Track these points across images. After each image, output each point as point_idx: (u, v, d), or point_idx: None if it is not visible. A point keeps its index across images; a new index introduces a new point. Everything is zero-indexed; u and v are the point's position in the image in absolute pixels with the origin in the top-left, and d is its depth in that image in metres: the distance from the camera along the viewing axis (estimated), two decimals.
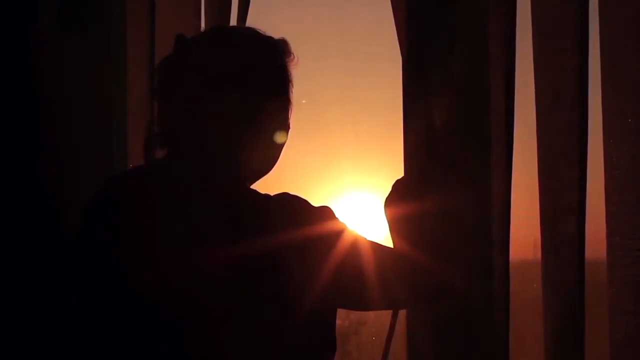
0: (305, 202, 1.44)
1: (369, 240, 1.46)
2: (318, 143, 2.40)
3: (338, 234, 1.43)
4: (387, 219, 1.62)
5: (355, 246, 1.43)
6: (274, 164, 1.53)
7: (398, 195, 1.64)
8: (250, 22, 1.97)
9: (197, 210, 1.39)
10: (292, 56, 1.52)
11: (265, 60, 1.50)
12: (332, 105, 2.37)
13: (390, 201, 1.62)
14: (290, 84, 1.52)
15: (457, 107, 1.78)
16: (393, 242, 1.57)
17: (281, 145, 1.52)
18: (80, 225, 1.46)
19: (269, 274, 1.36)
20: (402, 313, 1.82)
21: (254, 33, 1.53)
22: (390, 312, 1.72)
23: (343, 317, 2.58)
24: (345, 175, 2.34)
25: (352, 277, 1.42)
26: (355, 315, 2.66)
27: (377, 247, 1.46)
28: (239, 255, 1.35)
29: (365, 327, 2.67)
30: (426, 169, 1.77)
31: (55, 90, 2.04)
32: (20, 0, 2.02)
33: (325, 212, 1.44)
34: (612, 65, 1.75)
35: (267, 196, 1.43)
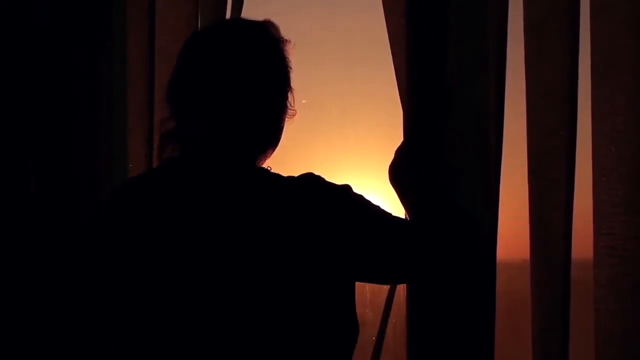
0: (325, 180, 1.55)
1: (388, 212, 1.55)
2: (317, 144, 2.40)
3: (364, 205, 1.53)
4: (392, 185, 1.70)
5: (379, 216, 1.53)
6: (278, 143, 1.61)
7: (400, 161, 1.71)
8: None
9: (238, 196, 1.49)
10: (287, 41, 1.59)
11: (267, 50, 1.56)
12: (332, 106, 2.37)
13: (393, 168, 1.66)
14: (290, 70, 1.59)
15: (454, 106, 1.78)
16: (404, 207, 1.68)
17: (283, 126, 1.60)
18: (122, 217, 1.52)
19: (306, 243, 1.47)
20: (402, 314, 1.82)
21: (250, 23, 1.60)
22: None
23: None
24: (345, 176, 2.34)
25: (377, 246, 1.51)
26: None
27: (397, 218, 1.56)
28: (282, 229, 1.47)
29: (365, 327, 2.66)
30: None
31: (56, 90, 2.04)
32: (20, 0, 2.02)
33: (349, 188, 1.55)
34: (603, 65, 1.76)
35: (292, 177, 1.54)
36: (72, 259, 1.97)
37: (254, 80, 1.53)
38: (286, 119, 1.59)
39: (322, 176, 1.55)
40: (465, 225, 1.59)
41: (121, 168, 2.04)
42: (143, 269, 1.47)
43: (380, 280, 1.62)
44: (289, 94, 1.58)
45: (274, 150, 1.60)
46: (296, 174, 1.55)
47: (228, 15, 2.00)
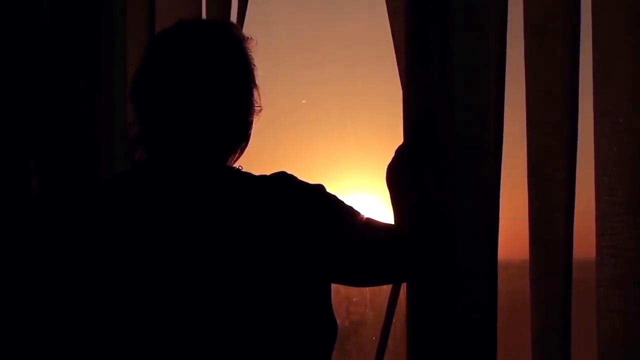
0: (298, 179, 1.53)
1: (361, 213, 1.55)
2: (317, 144, 2.40)
3: (337, 205, 1.53)
4: (388, 185, 1.69)
5: (352, 217, 1.53)
6: (248, 140, 1.61)
7: (401, 160, 1.71)
8: (250, 22, 1.98)
9: (214, 198, 1.48)
10: (249, 39, 1.59)
11: (230, 49, 1.56)
12: (332, 106, 2.37)
13: (392, 167, 1.67)
14: (254, 67, 1.59)
15: (453, 106, 1.79)
16: (393, 209, 1.67)
17: (251, 123, 1.59)
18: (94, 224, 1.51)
19: (279, 242, 1.46)
20: (402, 314, 1.82)
21: (210, 23, 1.63)
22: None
23: (343, 317, 2.59)
24: (345, 176, 2.34)
25: (351, 247, 1.51)
26: (355, 315, 2.66)
27: (371, 220, 1.56)
28: (256, 229, 1.46)
29: (365, 327, 2.67)
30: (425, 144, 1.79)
31: (56, 90, 2.04)
32: (20, 0, 2.02)
33: (322, 187, 1.54)
34: (604, 65, 1.76)
35: (264, 176, 1.53)
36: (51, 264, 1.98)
37: (217, 79, 1.53)
38: (254, 116, 1.59)
39: (295, 175, 1.54)
40: (444, 233, 1.63)
41: (121, 168, 2.03)
42: (115, 273, 1.47)
43: (353, 281, 1.60)
44: (254, 91, 1.58)
45: (244, 148, 1.60)
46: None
47: (233, 16, 2.00)
